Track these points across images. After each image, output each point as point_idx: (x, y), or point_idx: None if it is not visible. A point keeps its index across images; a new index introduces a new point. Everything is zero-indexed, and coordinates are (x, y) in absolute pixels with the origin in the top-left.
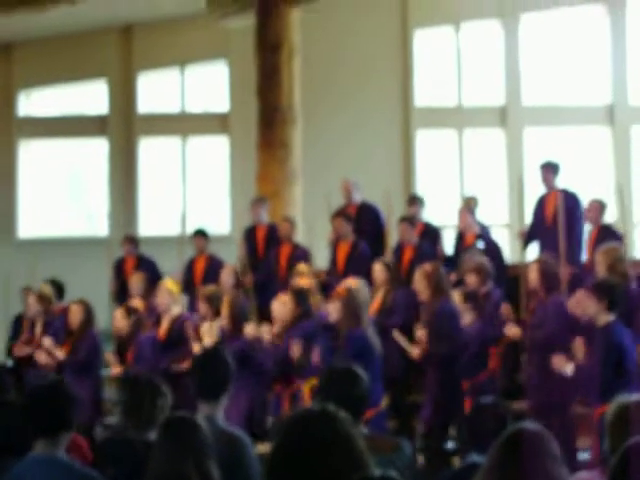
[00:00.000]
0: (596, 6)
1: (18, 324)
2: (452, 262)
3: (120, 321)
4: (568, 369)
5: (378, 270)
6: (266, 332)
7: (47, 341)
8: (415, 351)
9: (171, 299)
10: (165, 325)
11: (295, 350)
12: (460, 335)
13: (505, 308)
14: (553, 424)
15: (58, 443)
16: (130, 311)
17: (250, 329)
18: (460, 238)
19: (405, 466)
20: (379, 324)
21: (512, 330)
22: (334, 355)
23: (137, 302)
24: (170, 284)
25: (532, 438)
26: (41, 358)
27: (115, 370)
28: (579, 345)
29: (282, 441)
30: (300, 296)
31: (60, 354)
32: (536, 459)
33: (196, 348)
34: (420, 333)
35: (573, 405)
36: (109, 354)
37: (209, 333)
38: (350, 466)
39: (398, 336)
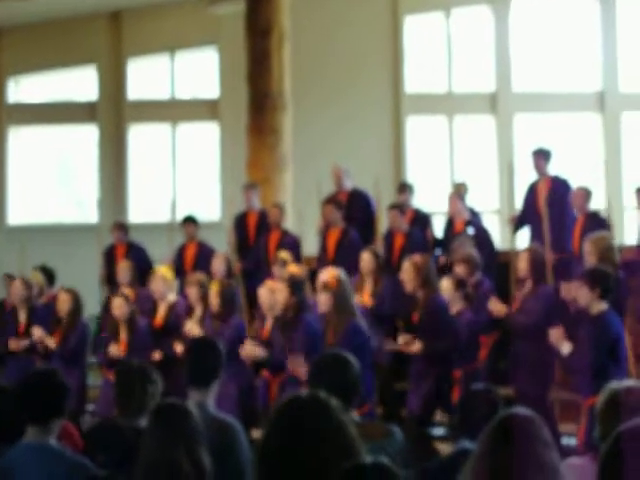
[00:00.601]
0: None
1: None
2: (442, 245)
3: (120, 308)
4: (565, 347)
5: (366, 259)
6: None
7: (37, 331)
8: (415, 347)
9: (166, 286)
10: (162, 312)
11: (301, 371)
12: (454, 327)
13: (494, 303)
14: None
15: (49, 430)
16: (127, 300)
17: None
18: (450, 224)
19: (396, 452)
20: (372, 313)
21: (497, 306)
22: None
23: (128, 290)
24: (164, 271)
25: (523, 423)
26: (15, 345)
27: (115, 350)
28: (557, 334)
29: (273, 428)
30: (295, 285)
31: (51, 343)
32: (527, 444)
33: (191, 330)
34: (402, 339)
35: (551, 392)
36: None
37: (194, 329)
38: (341, 453)
39: (392, 345)
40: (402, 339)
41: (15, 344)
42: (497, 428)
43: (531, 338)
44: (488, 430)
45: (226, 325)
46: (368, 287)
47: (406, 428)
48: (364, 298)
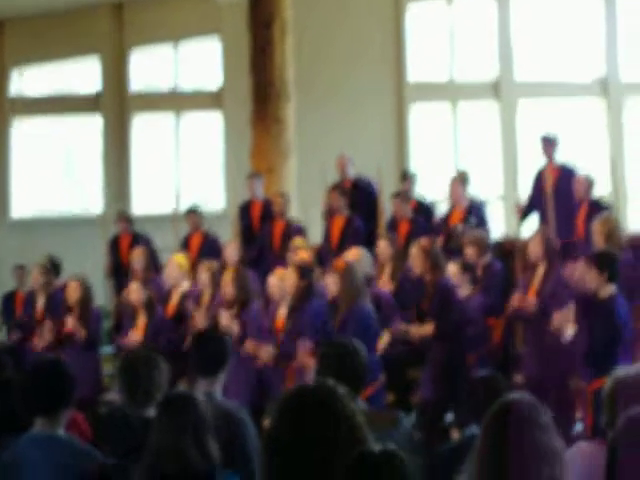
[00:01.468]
0: None
1: (9, 302)
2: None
3: (136, 293)
4: (569, 331)
5: (383, 246)
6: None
7: (71, 322)
8: (426, 329)
9: (180, 274)
10: (175, 300)
11: (307, 360)
12: (462, 308)
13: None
14: (550, 397)
15: (57, 421)
16: (146, 284)
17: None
18: (450, 211)
19: (404, 440)
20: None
21: (524, 301)
22: (334, 330)
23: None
24: (180, 258)
25: (519, 408)
26: (47, 332)
27: (134, 337)
28: (563, 317)
29: (280, 417)
30: (304, 270)
31: (82, 333)
32: (523, 429)
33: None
34: (415, 330)
35: (570, 378)
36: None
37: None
38: (349, 441)
39: (404, 328)
40: (414, 330)
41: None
42: (494, 414)
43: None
44: (486, 417)
45: (245, 311)
46: (387, 273)
47: (419, 415)
48: (383, 284)
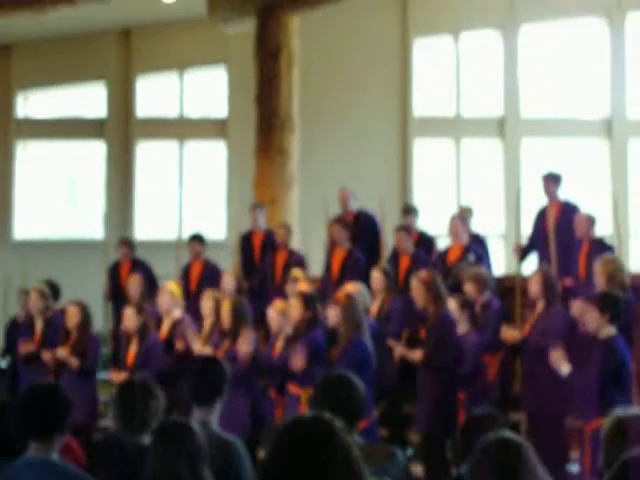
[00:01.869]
0: (596, 18)
1: (13, 329)
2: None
3: (130, 320)
4: (565, 368)
5: (376, 277)
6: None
7: (62, 352)
8: (416, 354)
9: (173, 301)
10: (165, 328)
11: (298, 359)
12: (459, 344)
13: (506, 331)
14: (547, 435)
15: (52, 446)
16: (140, 311)
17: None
18: (450, 246)
19: (400, 475)
20: (377, 331)
21: (510, 333)
22: (332, 361)
23: (142, 303)
24: (173, 286)
25: (508, 447)
26: (47, 357)
27: (117, 377)
28: (558, 356)
29: (276, 448)
30: (309, 299)
31: (75, 363)
32: (512, 468)
33: (197, 348)
34: (401, 349)
35: (567, 417)
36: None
37: (201, 346)
38: (345, 475)
39: (393, 344)
40: (400, 349)
41: (24, 348)
42: (482, 453)
43: (546, 361)
44: (475, 454)
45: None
46: (376, 305)
47: (419, 448)
48: (372, 313)
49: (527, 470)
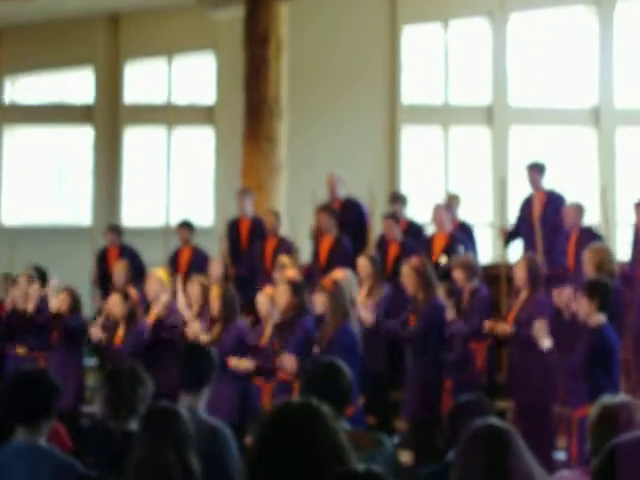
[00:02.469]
0: (585, 7)
1: None
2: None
3: (117, 306)
4: (546, 342)
5: (363, 264)
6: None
7: (54, 282)
8: (506, 327)
9: (161, 287)
10: (153, 313)
11: (289, 364)
12: (447, 331)
13: (494, 326)
14: (534, 423)
15: (39, 431)
16: (126, 297)
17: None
18: (435, 235)
19: (387, 462)
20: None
21: (501, 327)
22: (319, 348)
23: (132, 290)
24: (160, 273)
25: (496, 434)
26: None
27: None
28: (542, 327)
29: (263, 434)
30: (296, 287)
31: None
32: (500, 455)
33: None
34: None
35: (554, 405)
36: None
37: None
38: (333, 461)
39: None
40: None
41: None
42: (470, 439)
43: (534, 349)
44: (462, 441)
45: (229, 328)
46: (363, 291)
47: (409, 434)
48: (360, 300)
49: (515, 456)
